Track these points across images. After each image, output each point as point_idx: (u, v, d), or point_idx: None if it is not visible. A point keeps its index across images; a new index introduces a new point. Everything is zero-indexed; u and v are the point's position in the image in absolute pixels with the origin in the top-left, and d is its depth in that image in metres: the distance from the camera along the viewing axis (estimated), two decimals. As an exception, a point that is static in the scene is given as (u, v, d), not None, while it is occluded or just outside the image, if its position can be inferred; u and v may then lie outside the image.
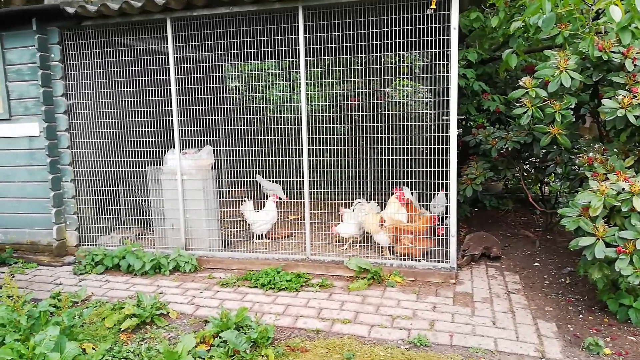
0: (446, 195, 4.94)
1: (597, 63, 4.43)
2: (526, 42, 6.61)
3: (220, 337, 3.54)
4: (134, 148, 5.80)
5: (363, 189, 5.95)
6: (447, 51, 4.65)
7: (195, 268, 5.41)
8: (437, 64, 4.89)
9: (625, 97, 4.02)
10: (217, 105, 5.59)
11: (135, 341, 3.77)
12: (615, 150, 4.48)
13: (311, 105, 5.82)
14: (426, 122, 5.38)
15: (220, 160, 6.17)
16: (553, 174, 6.12)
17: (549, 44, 5.87)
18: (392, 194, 5.40)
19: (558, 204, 6.86)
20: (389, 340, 3.70)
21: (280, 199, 6.65)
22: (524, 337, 3.70)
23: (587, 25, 4.58)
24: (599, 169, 4.25)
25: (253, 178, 5.78)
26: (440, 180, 4.86)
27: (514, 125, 5.84)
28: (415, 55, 6.40)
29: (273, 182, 6.93)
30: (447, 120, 4.81)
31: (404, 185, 5.40)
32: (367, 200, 5.75)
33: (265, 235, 6.07)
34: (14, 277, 5.28)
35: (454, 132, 4.74)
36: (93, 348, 3.54)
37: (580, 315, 4.12)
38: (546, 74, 4.48)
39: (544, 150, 5.55)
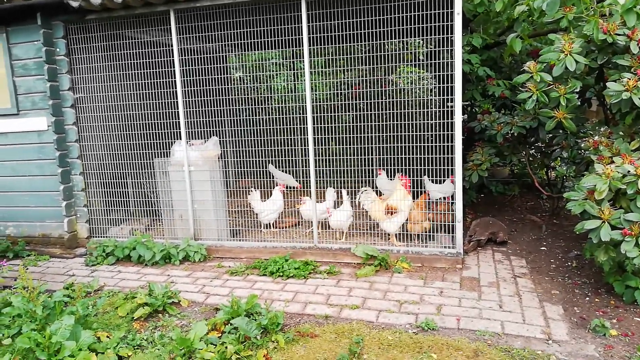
0: (452, 181, 4.97)
1: (601, 46, 4.40)
2: (531, 26, 6.57)
3: (231, 324, 3.61)
4: (141, 140, 5.85)
5: (368, 177, 5.97)
6: (451, 37, 4.64)
7: (204, 257, 5.49)
8: (442, 50, 4.88)
9: (630, 79, 4.00)
10: (222, 96, 5.62)
11: (148, 329, 3.86)
12: (620, 133, 4.47)
13: (315, 94, 5.83)
14: (431, 108, 5.38)
15: (227, 150, 6.21)
16: (559, 158, 6.11)
17: (554, 27, 5.84)
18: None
19: (564, 188, 6.86)
20: (397, 324, 3.75)
21: (292, 187, 6.69)
22: (530, 319, 3.75)
23: (592, 7, 4.55)
24: (605, 152, 4.25)
25: (259, 168, 5.83)
26: (446, 167, 4.88)
27: (519, 110, 5.82)
28: (419, 42, 6.38)
29: (282, 171, 6.98)
30: (452, 107, 4.82)
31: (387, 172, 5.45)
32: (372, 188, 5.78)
33: (273, 224, 6.13)
34: (27, 269, 5.38)
35: (459, 118, 4.75)
36: (107, 336, 3.62)
37: (587, 298, 4.15)
38: (551, 57, 4.47)
39: (550, 135, 5.54)
